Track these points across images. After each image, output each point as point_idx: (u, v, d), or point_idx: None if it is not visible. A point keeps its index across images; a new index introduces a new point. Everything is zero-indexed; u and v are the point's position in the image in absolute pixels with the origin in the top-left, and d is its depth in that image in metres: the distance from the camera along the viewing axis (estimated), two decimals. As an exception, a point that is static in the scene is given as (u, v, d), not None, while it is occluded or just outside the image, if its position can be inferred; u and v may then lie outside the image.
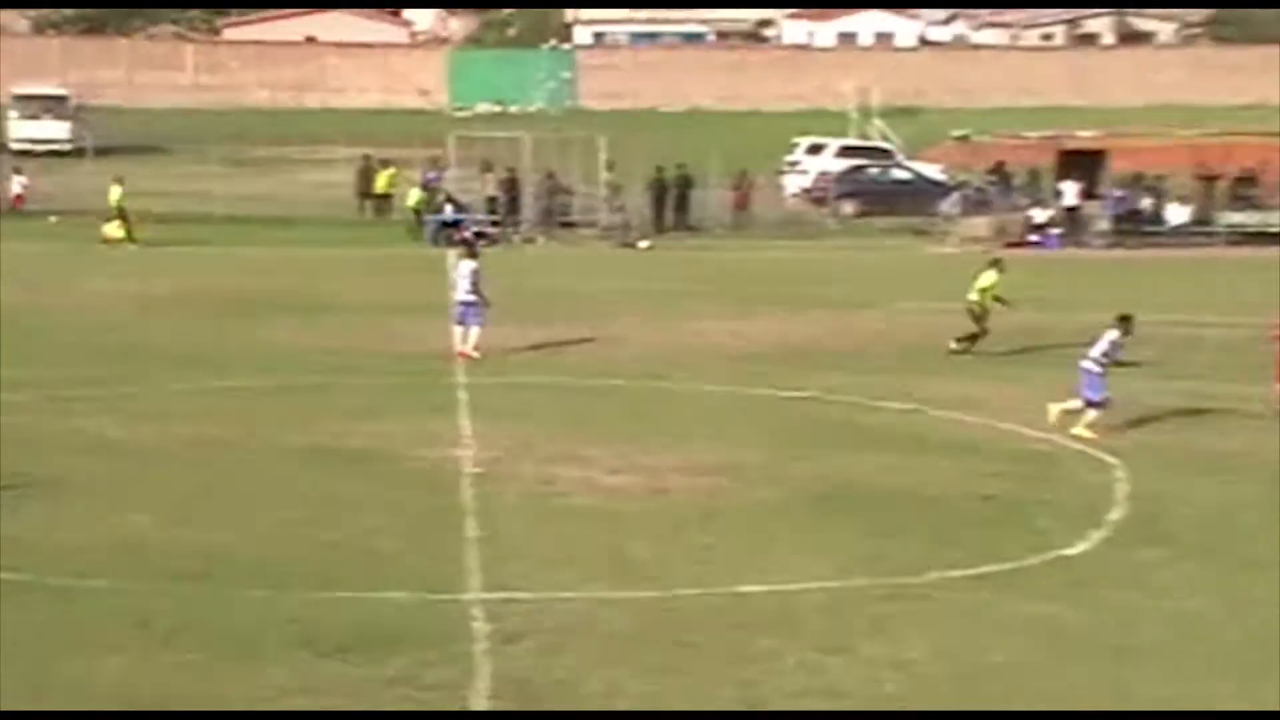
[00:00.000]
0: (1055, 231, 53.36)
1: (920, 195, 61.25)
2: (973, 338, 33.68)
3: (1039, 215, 54.34)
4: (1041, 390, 30.02)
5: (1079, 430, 26.96)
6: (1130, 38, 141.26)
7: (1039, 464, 25.63)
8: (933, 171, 64.95)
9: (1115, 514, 22.71)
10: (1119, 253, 51.91)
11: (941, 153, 69.18)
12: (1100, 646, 17.69)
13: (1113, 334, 27.50)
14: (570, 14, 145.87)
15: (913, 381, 31.18)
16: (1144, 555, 20.90)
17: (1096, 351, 27.40)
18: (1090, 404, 27.23)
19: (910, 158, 68.37)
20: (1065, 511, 22.81)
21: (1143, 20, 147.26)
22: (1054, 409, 27.54)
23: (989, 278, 33.91)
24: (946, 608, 18.93)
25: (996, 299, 33.77)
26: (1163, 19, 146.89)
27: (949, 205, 58.03)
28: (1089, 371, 27.34)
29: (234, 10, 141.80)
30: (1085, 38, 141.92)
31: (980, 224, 55.17)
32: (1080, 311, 35.73)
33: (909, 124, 79.80)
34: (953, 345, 33.65)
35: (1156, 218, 54.94)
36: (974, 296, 33.79)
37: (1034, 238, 52.27)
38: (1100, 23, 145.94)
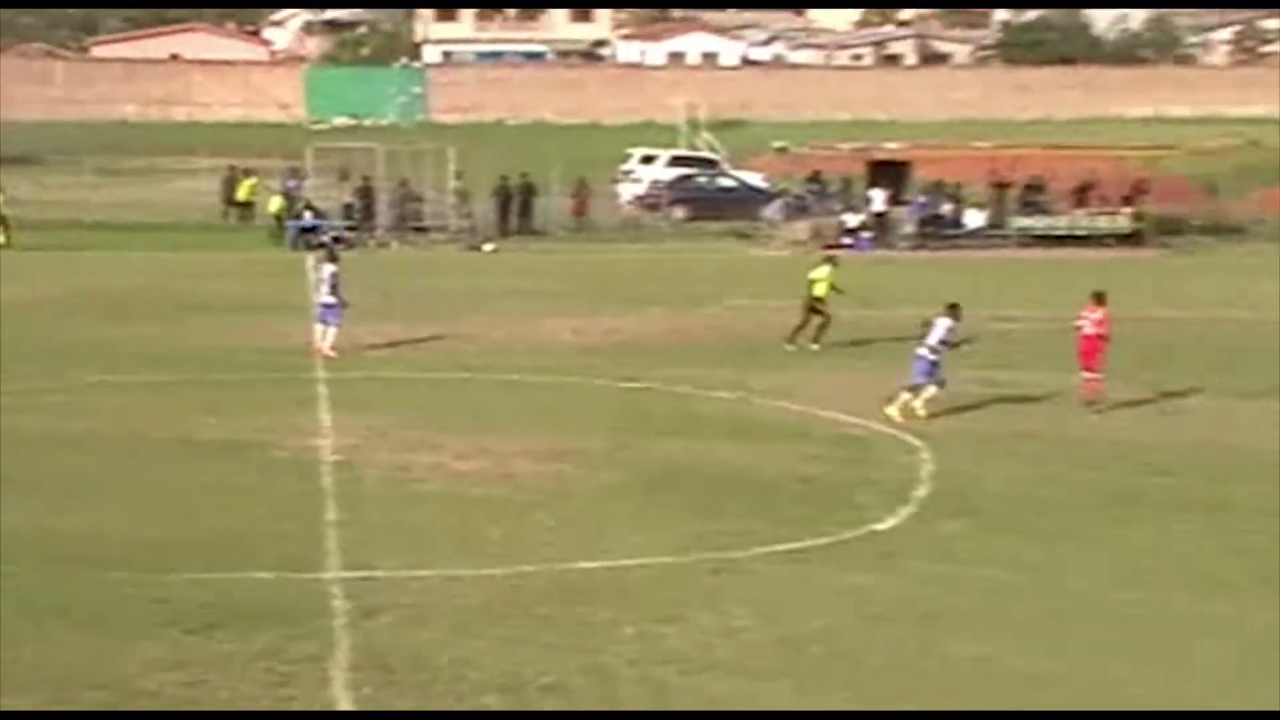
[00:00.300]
0: (866, 235, 53.76)
1: (744, 201, 61.41)
2: (818, 328, 33.79)
3: (851, 220, 54.72)
4: (859, 380, 30.43)
5: (918, 408, 27.26)
6: (931, 59, 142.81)
7: (855, 447, 25.86)
8: (756, 180, 65.17)
9: (923, 491, 22.99)
10: (923, 254, 52.42)
11: (763, 163, 69.56)
12: (909, 612, 17.92)
13: (946, 322, 27.78)
14: (420, 33, 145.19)
15: (741, 372, 31.32)
16: (949, 528, 21.18)
17: (933, 339, 27.63)
18: (915, 388, 27.49)
19: (735, 167, 68.56)
20: (878, 490, 23.05)
21: (942, 43, 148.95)
22: (897, 403, 27.79)
23: (824, 272, 34.13)
24: (770, 579, 19.08)
25: (833, 288, 34.01)
26: (959, 41, 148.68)
27: (772, 211, 58.27)
28: (924, 358, 27.56)
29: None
30: (890, 58, 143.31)
31: (800, 228, 55.45)
32: (892, 308, 36.12)
33: (734, 136, 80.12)
34: (813, 346, 33.64)
35: (956, 222, 55.49)
36: (814, 291, 33.98)
37: (847, 240, 52.59)
38: (904, 45, 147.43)
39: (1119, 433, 26.75)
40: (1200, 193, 60.91)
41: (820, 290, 33.92)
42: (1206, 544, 20.75)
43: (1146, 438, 26.59)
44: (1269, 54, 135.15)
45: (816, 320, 33.85)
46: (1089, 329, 28.31)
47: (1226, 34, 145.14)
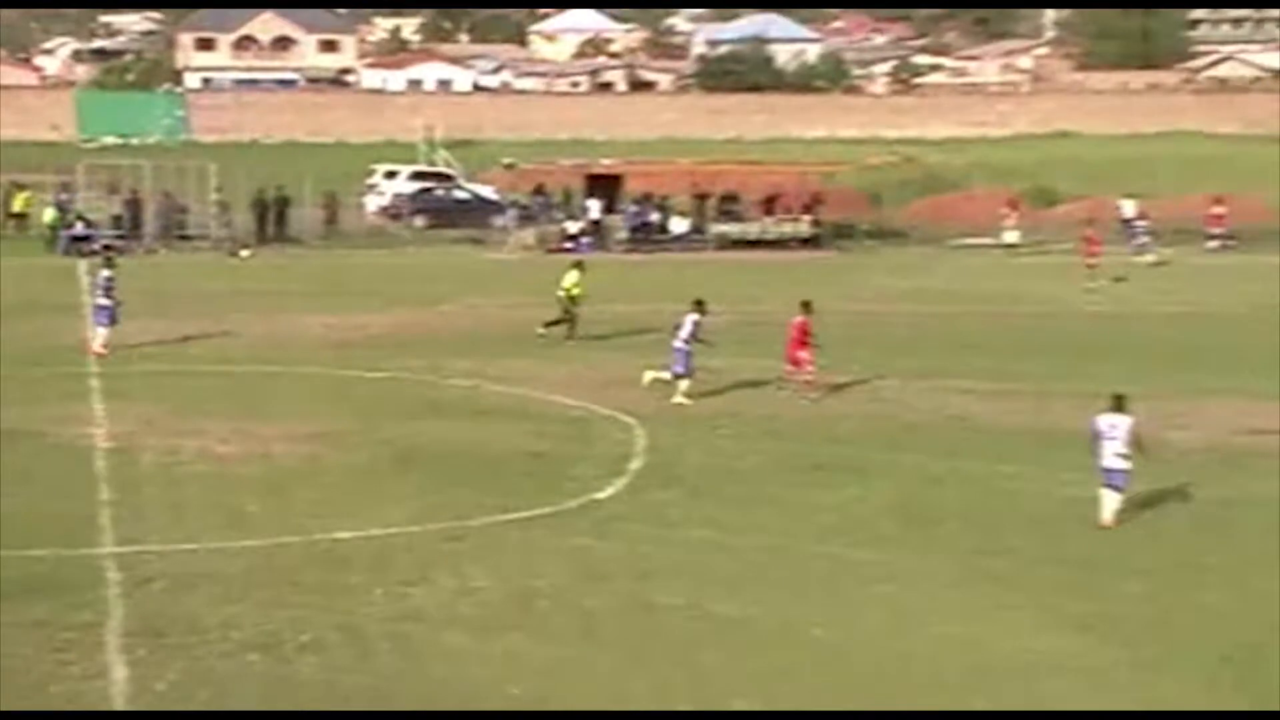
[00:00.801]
0: (586, 240, 53.89)
1: (478, 211, 61.12)
2: (568, 325, 33.54)
3: (572, 227, 54.77)
4: (582, 368, 30.47)
5: (677, 399, 27.30)
6: (639, 86, 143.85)
7: (577, 427, 25.88)
8: (488, 192, 64.84)
9: (637, 464, 23.10)
10: (636, 256, 52.68)
11: (494, 177, 69.17)
12: (626, 569, 18.00)
13: (693, 317, 27.94)
14: (181, 61, 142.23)
15: (477, 362, 31.14)
16: (659, 496, 21.32)
17: (684, 334, 27.75)
18: (679, 376, 27.56)
19: (469, 181, 68.25)
20: (597, 464, 23.10)
21: (648, 72, 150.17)
22: (648, 375, 27.87)
23: (573, 276, 33.94)
24: (503, 544, 19.02)
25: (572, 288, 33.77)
26: (663, 71, 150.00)
27: (505, 219, 58.13)
28: (679, 350, 27.65)
29: None
30: (604, 85, 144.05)
31: (528, 234, 55.40)
32: (610, 304, 36.20)
33: (467, 154, 79.58)
34: (540, 330, 33.40)
35: (663, 228, 55.92)
36: (561, 292, 33.74)
37: (569, 245, 52.62)
38: (616, 74, 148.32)
39: (809, 410, 27.16)
40: (866, 202, 62.37)
41: (573, 292, 33.72)
42: (877, 503, 21.22)
43: (832, 413, 27.07)
44: (919, 84, 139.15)
45: (566, 316, 33.67)
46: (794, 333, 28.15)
47: (886, 67, 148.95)
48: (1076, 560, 18.68)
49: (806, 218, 55.94)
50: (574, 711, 14.02)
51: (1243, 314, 39.10)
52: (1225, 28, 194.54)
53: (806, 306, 28.41)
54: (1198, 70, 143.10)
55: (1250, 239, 53.76)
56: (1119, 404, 20.31)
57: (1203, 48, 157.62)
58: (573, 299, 33.77)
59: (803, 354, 27.87)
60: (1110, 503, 19.99)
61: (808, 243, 54.76)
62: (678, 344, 27.68)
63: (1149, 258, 48.66)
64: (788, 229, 55.45)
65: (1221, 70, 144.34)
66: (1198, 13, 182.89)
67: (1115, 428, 20.14)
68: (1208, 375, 30.27)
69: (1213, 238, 53.81)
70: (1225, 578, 18.16)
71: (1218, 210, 54.40)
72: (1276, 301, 39.08)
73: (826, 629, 16.23)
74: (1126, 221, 52.94)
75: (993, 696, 14.51)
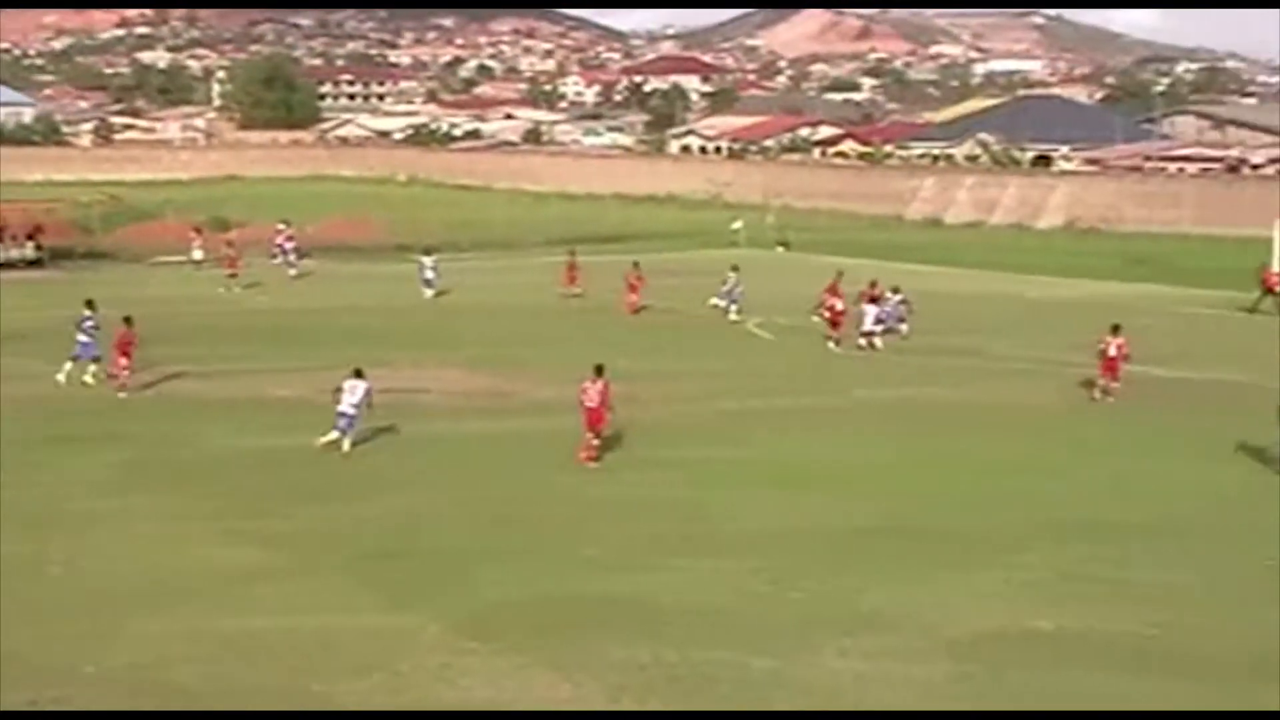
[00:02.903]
0: None
1: None
2: None
3: None
4: None
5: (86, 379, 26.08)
6: None
7: None
8: None
9: None
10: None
11: None
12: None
13: (87, 313, 26.39)
14: None
15: None
16: None
17: (89, 325, 26.38)
18: (78, 358, 26.28)
19: None
20: None
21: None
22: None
23: None
24: None
25: None
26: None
27: None
28: (82, 342, 26.40)
29: None
30: None
31: None
32: None
33: None
34: None
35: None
36: None
37: None
38: None
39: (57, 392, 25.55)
40: (80, 231, 59.23)
41: None
42: (114, 460, 20.43)
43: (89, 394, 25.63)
44: (118, 139, 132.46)
45: None
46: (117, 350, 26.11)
47: (89, 125, 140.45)
48: (266, 492, 19.07)
49: (30, 244, 52.08)
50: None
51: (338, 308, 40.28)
52: (344, 100, 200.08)
53: (128, 320, 26.27)
54: (327, 131, 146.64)
55: (372, 253, 55.81)
56: (359, 373, 21.52)
57: (329, 114, 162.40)
58: None
59: (123, 360, 25.93)
60: (335, 435, 21.05)
61: (33, 264, 51.05)
62: (81, 336, 26.40)
63: (294, 271, 48.76)
64: (15, 254, 51.43)
65: (344, 131, 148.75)
66: (324, 88, 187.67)
67: (355, 389, 21.20)
68: (352, 351, 31.37)
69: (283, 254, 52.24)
70: (362, 493, 19.19)
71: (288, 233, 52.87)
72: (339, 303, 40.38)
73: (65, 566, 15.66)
74: (278, 244, 52.49)
75: (213, 598, 14.69)
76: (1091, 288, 45.41)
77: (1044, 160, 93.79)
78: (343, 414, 21.09)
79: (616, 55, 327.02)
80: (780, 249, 58.52)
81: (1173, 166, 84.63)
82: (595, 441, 20.80)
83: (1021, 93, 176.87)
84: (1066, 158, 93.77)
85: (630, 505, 18.65)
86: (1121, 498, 19.20)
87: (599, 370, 21.15)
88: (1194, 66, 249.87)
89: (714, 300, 38.13)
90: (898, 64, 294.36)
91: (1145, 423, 24.32)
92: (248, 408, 24.77)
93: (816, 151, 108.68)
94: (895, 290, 35.01)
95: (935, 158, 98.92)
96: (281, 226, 51.81)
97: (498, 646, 13.36)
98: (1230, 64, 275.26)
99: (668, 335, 35.11)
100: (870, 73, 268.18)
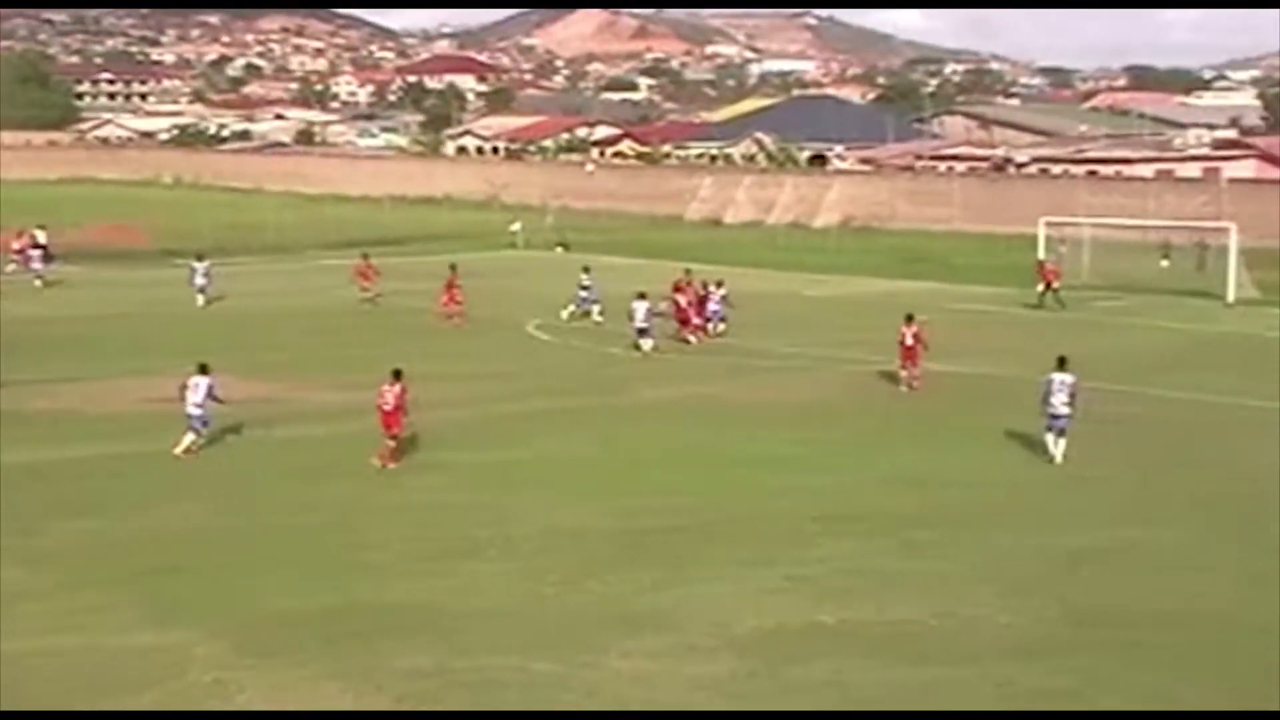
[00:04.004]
0: None
1: None
2: None
3: None
4: None
5: None
6: None
7: None
8: None
9: None
10: None
11: None
12: None
13: None
14: None
15: None
16: None
17: None
18: None
19: None
20: None
21: None
22: None
23: None
24: None
25: None
26: None
27: None
28: None
29: None
30: None
31: None
32: None
33: None
34: None
35: None
36: None
37: None
38: None
39: None
40: None
41: None
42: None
43: None
44: None
45: None
46: None
47: None
48: (29, 509, 18.19)
49: None
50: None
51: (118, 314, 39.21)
52: (104, 99, 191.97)
53: None
54: (86, 131, 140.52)
55: (138, 259, 53.68)
56: (203, 369, 21.22)
57: (88, 114, 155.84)
58: None
59: None
60: (190, 438, 20.95)
61: None
62: None
63: (40, 283, 46.02)
64: None
65: (104, 131, 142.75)
66: (82, 86, 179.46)
67: (198, 387, 20.98)
68: (122, 361, 30.31)
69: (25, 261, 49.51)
70: (132, 507, 18.50)
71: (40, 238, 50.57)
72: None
73: None
74: (38, 246, 50.00)
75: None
76: (869, 285, 47.01)
77: (820, 160, 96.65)
78: (190, 415, 20.78)
79: (390, 54, 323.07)
80: (559, 250, 58.64)
81: (943, 165, 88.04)
82: (392, 444, 20.78)
83: (796, 93, 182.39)
84: (841, 157, 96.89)
85: (413, 510, 18.52)
86: (900, 489, 19.92)
87: (397, 374, 21.29)
88: (960, 68, 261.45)
89: (569, 309, 37.01)
90: (674, 64, 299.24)
91: (921, 416, 25.34)
92: (9, 421, 23.60)
93: (595, 151, 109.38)
94: (719, 284, 35.54)
95: (713, 157, 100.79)
96: (36, 232, 49.47)
97: (277, 660, 13.10)
98: (994, 66, 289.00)
99: (451, 338, 34.93)
100: (647, 72, 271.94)
